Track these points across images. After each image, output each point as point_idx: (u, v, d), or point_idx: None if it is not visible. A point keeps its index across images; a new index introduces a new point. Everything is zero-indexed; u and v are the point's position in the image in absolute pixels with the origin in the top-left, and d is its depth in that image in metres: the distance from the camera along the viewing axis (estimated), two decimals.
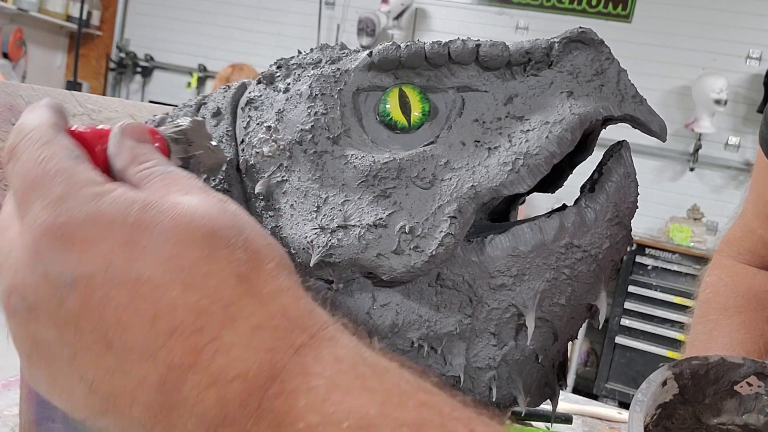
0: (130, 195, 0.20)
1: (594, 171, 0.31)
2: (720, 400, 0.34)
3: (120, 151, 0.22)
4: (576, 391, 2.33)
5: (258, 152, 0.32)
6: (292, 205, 0.30)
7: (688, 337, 0.60)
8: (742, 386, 0.34)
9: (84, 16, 3.37)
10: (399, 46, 0.31)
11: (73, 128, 0.23)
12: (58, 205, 0.19)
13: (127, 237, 0.19)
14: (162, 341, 0.18)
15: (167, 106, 0.49)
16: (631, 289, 2.49)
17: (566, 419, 0.56)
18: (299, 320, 0.19)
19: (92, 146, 0.22)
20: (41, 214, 0.19)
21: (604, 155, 0.32)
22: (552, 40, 0.31)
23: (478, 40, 0.31)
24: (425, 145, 0.30)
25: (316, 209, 0.29)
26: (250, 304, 0.19)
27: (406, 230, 0.28)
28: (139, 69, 3.68)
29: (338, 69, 0.32)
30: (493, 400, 0.31)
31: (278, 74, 0.34)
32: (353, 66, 0.32)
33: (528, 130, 0.29)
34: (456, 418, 0.18)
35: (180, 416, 0.18)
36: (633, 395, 0.33)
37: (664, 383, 0.32)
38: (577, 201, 0.31)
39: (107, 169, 0.22)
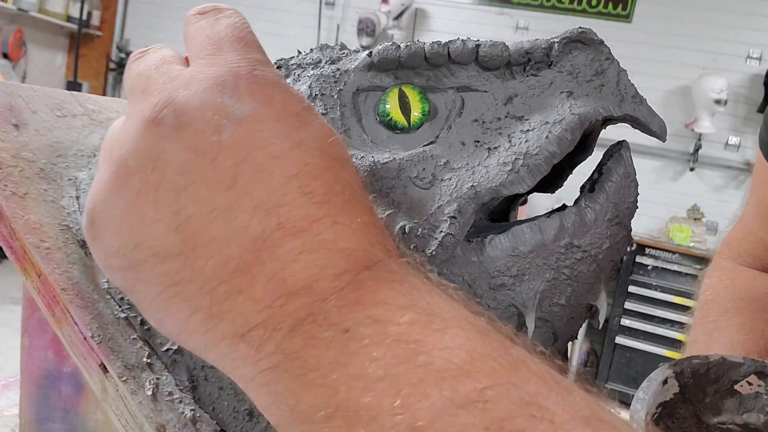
0: (218, 68, 0.20)
1: (594, 171, 0.31)
2: (720, 399, 0.34)
3: (193, 39, 0.24)
4: None
5: None
6: None
7: (687, 339, 0.60)
8: (742, 385, 0.34)
9: (84, 17, 3.37)
10: (399, 46, 0.31)
11: None
12: (257, 64, 0.20)
13: (298, 109, 0.20)
14: (288, 199, 0.18)
15: None
16: (631, 289, 2.49)
17: None
18: (378, 235, 0.20)
19: None
20: (240, 61, 0.20)
21: (603, 155, 0.32)
22: (552, 40, 0.31)
23: (478, 40, 0.31)
24: (425, 145, 0.30)
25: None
26: (365, 201, 0.20)
27: (406, 230, 0.28)
28: None
29: (338, 69, 0.32)
30: None
31: None
32: (353, 66, 0.32)
33: (528, 130, 0.29)
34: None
35: (255, 278, 0.18)
36: (633, 395, 0.33)
37: (665, 382, 0.32)
38: (577, 201, 0.30)
39: None
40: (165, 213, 0.19)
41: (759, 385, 0.34)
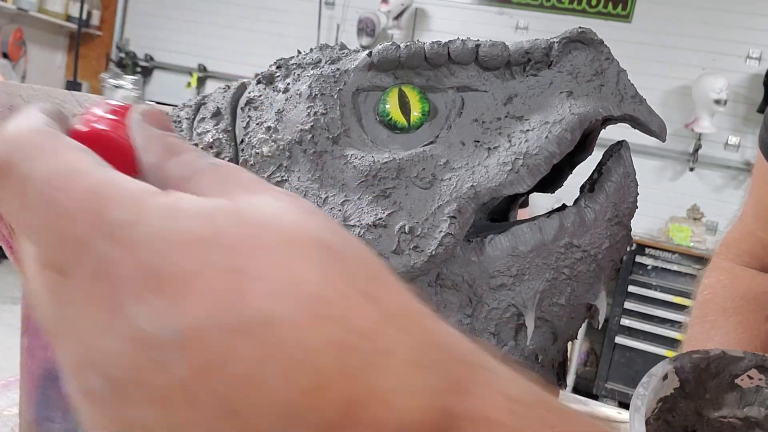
0: (203, 203, 0.15)
1: (594, 171, 0.31)
2: (721, 393, 0.34)
3: (149, 143, 0.17)
4: (576, 391, 2.33)
5: (258, 152, 0.32)
6: None
7: (685, 338, 0.60)
8: (743, 379, 0.34)
9: (84, 16, 3.37)
10: (399, 46, 0.31)
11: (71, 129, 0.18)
12: (128, 235, 0.14)
13: (227, 263, 0.14)
14: (305, 401, 0.13)
15: (167, 106, 0.49)
16: (631, 289, 2.49)
17: None
18: (452, 348, 0.15)
19: (99, 146, 0.17)
20: (109, 252, 0.14)
21: (603, 155, 0.32)
22: (551, 40, 0.31)
23: (478, 40, 0.31)
24: (425, 145, 0.30)
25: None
26: (394, 333, 0.14)
27: (406, 230, 0.28)
28: (138, 69, 3.68)
29: (338, 69, 0.32)
30: None
31: (278, 74, 0.34)
32: (353, 66, 0.32)
33: (527, 130, 0.29)
34: None
35: None
36: (632, 395, 0.33)
37: (665, 377, 0.32)
38: (576, 201, 0.31)
39: (130, 169, 0.17)
40: None
41: (760, 379, 0.34)
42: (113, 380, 0.14)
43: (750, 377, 0.34)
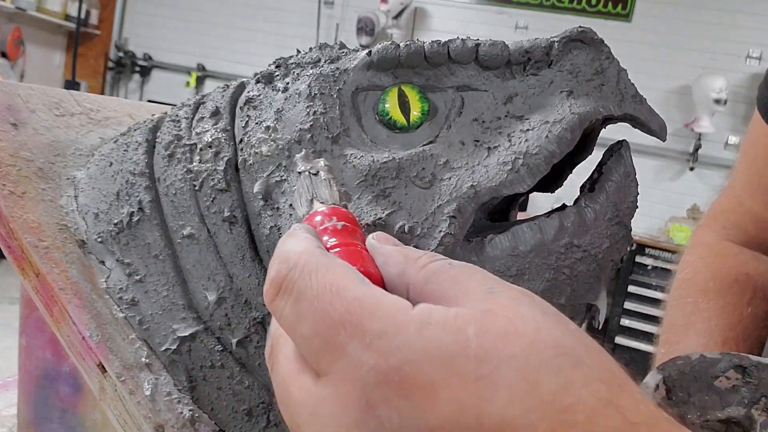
0: (452, 315, 0.16)
1: (594, 171, 0.31)
2: (703, 397, 0.34)
3: (388, 258, 0.20)
4: None
5: (257, 152, 0.31)
6: (291, 204, 0.30)
7: (664, 319, 0.58)
8: (721, 381, 0.34)
9: (82, 15, 3.36)
10: (398, 45, 0.31)
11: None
12: (384, 344, 0.15)
13: (474, 372, 0.15)
14: None
15: (166, 106, 0.49)
16: (631, 289, 2.49)
17: None
18: None
19: (349, 259, 0.20)
20: (365, 357, 0.15)
21: (603, 155, 0.31)
22: (552, 40, 0.31)
23: (478, 39, 0.31)
24: (424, 145, 0.30)
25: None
26: None
27: (406, 230, 0.28)
28: (137, 68, 3.67)
29: (337, 68, 0.32)
30: None
31: (277, 73, 0.34)
32: (352, 65, 0.32)
33: (528, 130, 0.29)
34: None
35: None
36: None
37: (656, 387, 0.32)
38: (576, 201, 0.30)
39: (375, 279, 0.19)
40: None
41: (737, 379, 0.34)
42: None
43: (727, 378, 0.34)
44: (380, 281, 0.20)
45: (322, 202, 0.24)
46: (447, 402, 0.15)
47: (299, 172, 0.24)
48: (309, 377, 0.17)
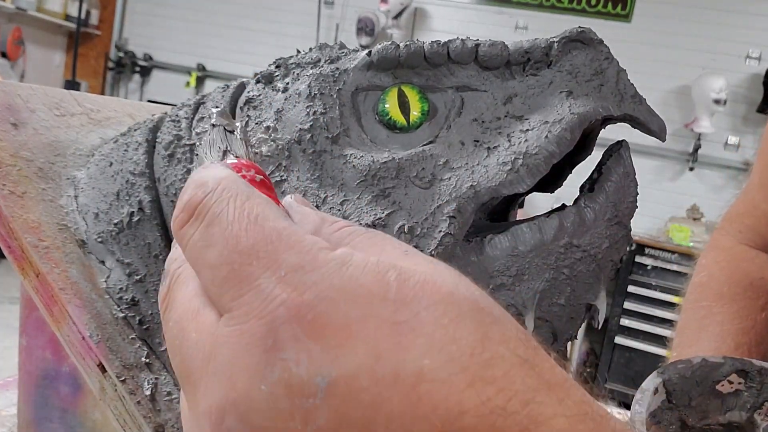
0: (374, 260, 0.15)
1: (593, 171, 0.31)
2: (704, 401, 0.35)
3: (303, 217, 0.19)
4: None
5: (257, 152, 0.32)
6: (197, 154, 0.30)
7: (678, 322, 0.58)
8: (723, 385, 0.34)
9: (82, 16, 3.36)
10: (398, 45, 0.31)
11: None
12: (299, 278, 0.14)
13: (392, 316, 0.14)
14: None
15: (166, 106, 0.49)
16: (631, 289, 2.49)
17: None
18: (603, 419, 0.15)
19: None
20: (276, 291, 0.14)
21: (603, 155, 0.32)
22: (551, 40, 0.31)
23: (478, 39, 0.31)
24: (424, 145, 0.30)
25: (314, 209, 0.29)
26: (548, 400, 0.14)
27: (405, 230, 0.28)
28: (137, 68, 3.67)
29: (337, 68, 0.32)
30: None
31: (277, 74, 0.34)
32: (352, 65, 0.32)
33: (527, 130, 0.29)
34: None
35: None
36: (632, 395, 0.33)
37: (656, 391, 0.32)
38: (576, 201, 0.30)
39: None
40: None
41: (739, 383, 0.34)
42: (253, 425, 0.14)
43: (730, 382, 0.34)
44: None
45: (236, 157, 0.21)
46: (363, 346, 0.14)
47: (213, 125, 0.23)
48: (209, 316, 0.15)
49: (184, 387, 0.16)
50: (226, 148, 0.22)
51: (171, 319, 0.17)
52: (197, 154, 0.22)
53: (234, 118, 0.34)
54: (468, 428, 0.13)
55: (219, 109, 0.23)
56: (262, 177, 0.20)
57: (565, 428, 0.14)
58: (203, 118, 0.35)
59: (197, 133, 0.34)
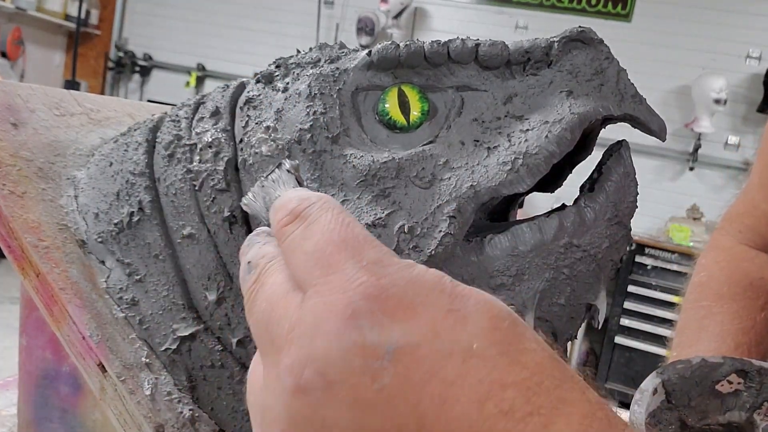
0: (432, 270, 0.18)
1: (593, 170, 0.31)
2: (704, 401, 0.34)
3: None
4: None
5: (257, 152, 0.31)
6: (263, 186, 0.30)
7: (678, 322, 0.58)
8: (722, 385, 0.34)
9: (82, 15, 3.36)
10: (398, 45, 0.31)
11: None
12: (377, 268, 0.17)
13: (448, 305, 0.17)
14: (489, 425, 0.15)
15: (166, 106, 0.49)
16: (631, 288, 2.49)
17: None
18: (609, 413, 0.17)
19: None
20: (360, 275, 0.17)
21: (603, 155, 0.31)
22: (551, 40, 0.31)
23: (478, 39, 0.31)
24: (424, 145, 0.30)
25: None
26: (573, 388, 0.17)
27: (405, 230, 0.28)
28: (137, 68, 3.67)
29: (337, 68, 0.32)
30: None
31: (277, 73, 0.34)
32: (352, 65, 0.32)
33: (527, 130, 0.29)
34: None
35: None
36: (632, 395, 0.33)
37: (655, 391, 0.32)
38: (576, 201, 0.30)
39: None
40: None
41: (739, 383, 0.34)
42: (328, 379, 0.16)
43: (729, 382, 0.34)
44: None
45: None
46: (425, 324, 0.17)
47: (287, 170, 0.24)
48: (297, 297, 0.18)
49: (266, 353, 0.18)
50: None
51: (260, 298, 0.19)
52: (263, 185, 0.24)
53: (234, 117, 0.34)
54: (509, 399, 0.16)
55: (295, 162, 0.25)
56: None
57: (588, 411, 0.16)
58: (203, 118, 0.35)
59: (197, 133, 0.34)
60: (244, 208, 0.24)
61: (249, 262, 0.21)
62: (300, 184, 0.24)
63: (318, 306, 0.17)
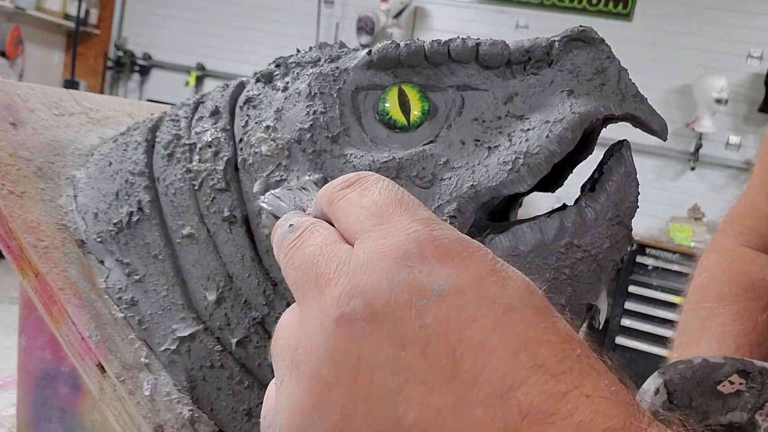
0: (463, 240, 0.19)
1: (594, 170, 0.31)
2: (705, 401, 0.34)
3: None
4: None
5: (257, 151, 0.31)
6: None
7: (679, 323, 0.58)
8: (724, 385, 0.34)
9: (82, 15, 3.36)
10: (398, 44, 0.31)
11: None
12: (431, 223, 0.18)
13: (492, 266, 0.18)
14: (523, 377, 0.16)
15: (165, 105, 0.49)
16: (632, 289, 2.49)
17: None
18: (629, 398, 0.17)
19: None
20: (414, 225, 0.18)
21: (604, 154, 0.31)
22: (552, 39, 0.30)
23: (478, 38, 0.31)
24: (425, 144, 0.30)
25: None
26: (598, 360, 0.17)
27: None
28: (137, 67, 3.67)
29: (337, 68, 0.32)
30: None
31: (277, 73, 0.34)
32: (352, 65, 0.32)
33: (528, 129, 0.29)
34: None
35: None
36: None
37: (657, 392, 0.32)
38: (577, 200, 0.30)
39: None
40: (384, 425, 0.16)
41: (740, 383, 0.34)
42: (373, 310, 0.17)
43: (731, 382, 0.34)
44: None
45: None
46: (471, 274, 0.17)
47: (314, 182, 0.25)
48: (346, 246, 0.19)
49: (307, 292, 0.18)
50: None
51: (307, 244, 0.20)
52: (289, 188, 0.25)
53: (233, 117, 0.34)
54: (543, 356, 0.16)
55: (320, 176, 0.26)
56: None
57: (613, 381, 0.17)
58: (202, 117, 0.35)
59: (196, 133, 0.34)
60: (264, 206, 0.24)
61: (291, 225, 0.21)
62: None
63: (371, 247, 0.18)
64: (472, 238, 0.29)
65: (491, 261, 0.18)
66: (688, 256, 2.44)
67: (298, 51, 0.36)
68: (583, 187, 0.31)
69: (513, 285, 0.18)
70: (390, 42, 0.31)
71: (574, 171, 0.34)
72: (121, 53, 3.66)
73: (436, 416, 0.16)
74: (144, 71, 3.66)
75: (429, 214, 0.19)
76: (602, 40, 0.31)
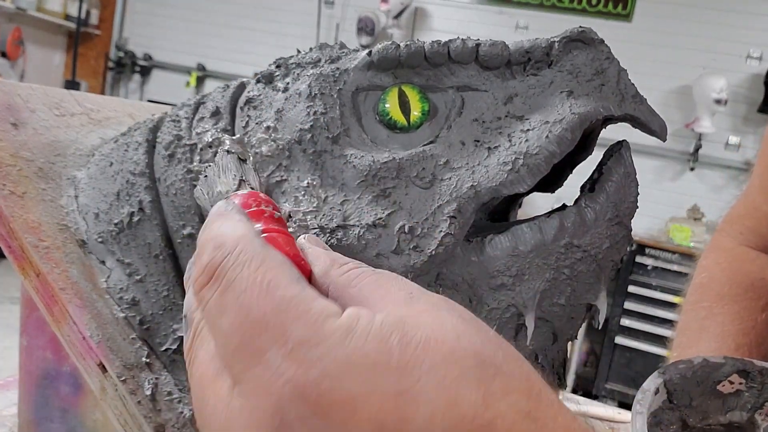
0: (378, 323, 0.16)
1: (594, 171, 0.31)
2: (705, 401, 0.34)
3: (315, 257, 0.20)
4: (575, 391, 2.33)
5: (257, 152, 0.31)
6: (206, 176, 0.30)
7: (679, 323, 0.58)
8: (724, 385, 0.34)
9: (82, 15, 3.36)
10: (398, 45, 0.31)
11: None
12: (305, 353, 0.15)
13: (395, 386, 0.15)
14: None
15: (166, 106, 0.49)
16: (631, 289, 2.49)
17: None
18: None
19: (284, 249, 0.19)
20: (283, 367, 0.15)
21: (604, 155, 0.31)
22: (552, 40, 0.31)
23: (478, 39, 0.31)
24: (425, 145, 0.30)
25: (315, 209, 0.29)
26: None
27: (406, 230, 0.28)
28: (137, 68, 3.67)
29: (337, 68, 0.32)
30: None
31: (277, 73, 0.34)
32: (352, 65, 0.32)
33: (528, 130, 0.29)
34: None
35: None
36: (633, 396, 0.33)
37: (657, 391, 0.32)
38: (577, 201, 0.30)
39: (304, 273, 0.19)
40: None
41: (740, 383, 0.34)
42: None
43: (731, 382, 0.34)
44: (309, 274, 0.19)
45: (251, 187, 0.22)
46: (367, 421, 0.14)
47: (228, 151, 0.24)
48: (225, 383, 0.16)
49: (195, 410, 0.17)
50: (242, 177, 0.23)
51: (194, 375, 0.17)
52: (206, 176, 0.23)
53: (234, 117, 0.34)
54: None
55: (236, 137, 0.24)
56: (279, 214, 0.21)
57: None
58: (203, 118, 0.35)
59: (197, 133, 0.34)
60: (198, 201, 0.24)
61: (185, 316, 0.19)
62: (244, 161, 0.23)
63: (245, 412, 0.15)
64: (472, 238, 0.30)
65: (395, 377, 0.15)
66: (688, 256, 2.44)
67: (299, 52, 0.36)
68: (582, 188, 0.31)
69: (426, 406, 0.14)
70: (390, 43, 0.31)
71: (573, 171, 0.35)
72: (121, 54, 3.67)
73: None
74: (145, 72, 3.66)
75: (304, 329, 0.15)
76: (602, 41, 0.31)
